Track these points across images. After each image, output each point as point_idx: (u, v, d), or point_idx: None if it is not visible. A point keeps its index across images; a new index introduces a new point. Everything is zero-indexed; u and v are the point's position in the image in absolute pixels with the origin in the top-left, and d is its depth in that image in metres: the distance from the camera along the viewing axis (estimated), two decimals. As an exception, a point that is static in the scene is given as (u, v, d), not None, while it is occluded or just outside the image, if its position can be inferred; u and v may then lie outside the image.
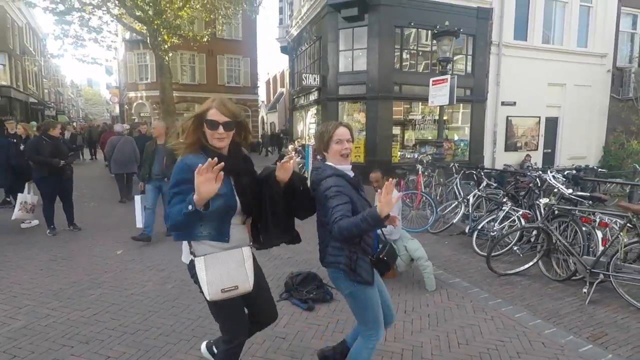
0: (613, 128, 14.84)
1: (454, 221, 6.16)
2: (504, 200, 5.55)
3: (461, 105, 13.15)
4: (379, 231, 2.25)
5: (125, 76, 25.27)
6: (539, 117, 14.24)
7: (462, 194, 6.76)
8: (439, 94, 8.14)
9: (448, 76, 7.88)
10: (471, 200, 6.13)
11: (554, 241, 4.20)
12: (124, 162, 7.85)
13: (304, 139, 15.56)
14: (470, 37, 12.71)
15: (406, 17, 11.93)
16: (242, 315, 1.99)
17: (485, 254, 4.59)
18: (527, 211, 5.14)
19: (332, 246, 2.02)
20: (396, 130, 12.85)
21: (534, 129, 14.33)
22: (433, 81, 8.25)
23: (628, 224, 3.65)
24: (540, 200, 4.76)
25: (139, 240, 5.13)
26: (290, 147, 14.63)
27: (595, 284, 3.74)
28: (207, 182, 1.54)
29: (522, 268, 4.44)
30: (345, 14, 12.09)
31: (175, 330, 3.07)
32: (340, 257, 1.99)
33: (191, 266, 1.83)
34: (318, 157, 2.14)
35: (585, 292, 3.75)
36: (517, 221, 5.01)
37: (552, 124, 14.60)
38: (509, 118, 13.79)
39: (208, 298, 1.77)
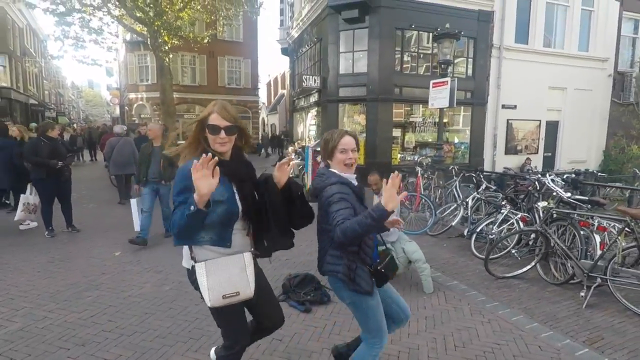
0: (613, 132, 14.84)
1: (453, 224, 6.16)
2: (503, 203, 5.55)
3: (462, 108, 13.16)
4: (378, 236, 2.24)
5: (125, 77, 25.34)
6: (540, 121, 14.23)
7: (461, 196, 6.76)
8: (439, 96, 8.15)
9: (448, 79, 7.89)
10: (470, 203, 6.13)
11: (552, 245, 4.20)
12: (123, 163, 7.85)
13: (304, 141, 15.58)
14: (472, 39, 12.72)
15: (407, 19, 11.94)
16: (243, 321, 1.98)
17: (484, 256, 4.59)
18: (525, 214, 5.14)
19: (330, 254, 2.01)
20: (396, 132, 12.85)
21: (535, 133, 14.32)
22: (433, 83, 8.26)
23: (626, 228, 3.65)
24: (539, 203, 4.75)
25: (135, 243, 5.10)
26: (290, 148, 14.66)
27: (592, 287, 3.74)
28: (204, 179, 1.53)
29: (520, 271, 4.43)
30: (346, 15, 12.11)
31: (172, 333, 3.06)
32: (339, 265, 1.98)
33: (192, 272, 1.82)
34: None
35: (582, 296, 3.75)
36: (515, 224, 5.01)
37: (552, 128, 14.59)
38: (510, 121, 13.79)
39: (209, 304, 1.76)
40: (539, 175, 5.89)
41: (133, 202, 5.43)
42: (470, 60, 13.01)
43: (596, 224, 4.14)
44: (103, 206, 7.92)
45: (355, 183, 2.07)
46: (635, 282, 3.55)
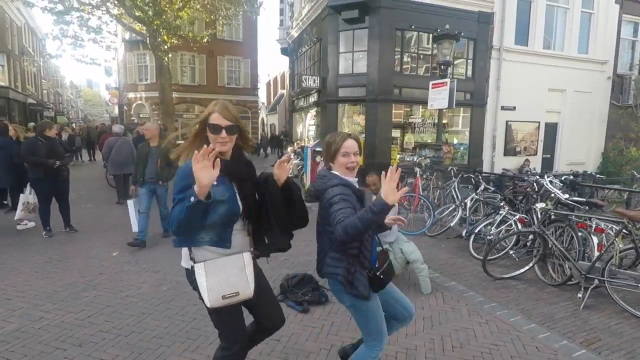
0: (612, 135, 14.88)
1: (452, 224, 6.16)
2: (501, 204, 5.56)
3: (461, 109, 13.19)
4: (375, 237, 2.24)
5: (124, 77, 25.30)
6: (539, 122, 14.26)
7: (459, 197, 6.76)
8: (438, 97, 8.16)
9: (448, 80, 7.90)
10: (468, 204, 6.13)
11: (550, 246, 4.20)
12: (122, 163, 7.84)
13: (303, 141, 15.59)
14: (471, 41, 12.74)
15: (407, 20, 11.96)
16: (241, 322, 1.97)
17: (482, 257, 4.59)
18: (523, 215, 5.14)
19: (330, 257, 2.01)
20: (396, 133, 12.86)
21: (534, 134, 14.35)
22: (433, 84, 8.27)
23: (623, 230, 3.66)
24: (537, 205, 4.76)
25: (134, 245, 5.08)
26: (290, 149, 14.67)
27: (590, 289, 3.75)
28: (205, 169, 1.53)
29: (517, 272, 4.44)
30: (346, 15, 12.12)
31: (169, 333, 3.06)
32: (339, 268, 1.97)
33: (191, 272, 1.81)
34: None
35: (580, 297, 3.75)
36: (513, 225, 5.02)
37: (551, 130, 14.62)
38: (509, 123, 13.81)
39: (208, 305, 1.75)
40: (537, 177, 5.89)
41: (130, 203, 5.37)
42: (470, 61, 13.03)
43: (594, 226, 4.15)
44: (101, 206, 7.91)
45: (357, 186, 2.07)
46: (632, 283, 3.55)
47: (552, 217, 4.37)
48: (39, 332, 3.02)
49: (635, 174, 10.97)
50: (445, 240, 6.03)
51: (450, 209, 6.49)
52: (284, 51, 19.87)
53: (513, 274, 4.45)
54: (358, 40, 12.48)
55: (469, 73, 13.08)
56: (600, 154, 15.20)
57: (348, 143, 2.02)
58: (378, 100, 12.21)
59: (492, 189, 6.58)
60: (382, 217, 1.73)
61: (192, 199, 1.55)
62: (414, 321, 3.33)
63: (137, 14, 12.37)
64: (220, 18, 15.52)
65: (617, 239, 3.68)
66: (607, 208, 6.38)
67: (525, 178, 6.68)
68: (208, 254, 1.79)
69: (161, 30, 12.65)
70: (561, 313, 3.60)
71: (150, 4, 12.31)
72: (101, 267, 4.47)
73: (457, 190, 7.05)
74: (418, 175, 7.83)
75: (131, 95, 23.68)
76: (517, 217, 5.05)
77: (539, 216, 4.69)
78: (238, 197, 1.81)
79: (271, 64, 32.40)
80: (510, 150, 14.06)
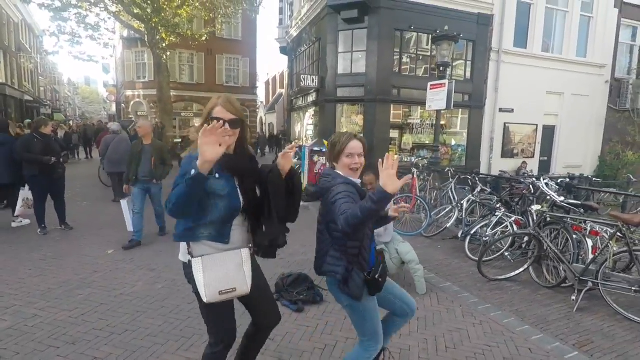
0: (609, 138, 14.95)
1: (448, 225, 6.17)
2: (498, 206, 5.57)
3: (459, 110, 13.22)
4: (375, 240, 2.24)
5: (122, 74, 25.21)
6: (536, 125, 14.31)
7: (456, 198, 6.78)
8: (436, 98, 8.17)
9: (446, 81, 7.91)
10: (465, 205, 6.15)
11: (545, 248, 4.22)
12: (118, 161, 7.78)
13: (301, 140, 15.58)
14: (470, 42, 12.77)
15: (406, 21, 11.97)
16: (231, 319, 1.97)
17: (477, 258, 4.60)
18: (519, 217, 5.15)
19: (331, 256, 2.01)
20: (394, 133, 12.89)
21: (531, 137, 14.39)
22: (431, 85, 8.28)
23: (618, 233, 3.67)
24: (533, 207, 4.78)
25: (130, 248, 5.03)
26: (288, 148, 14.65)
27: (583, 291, 3.76)
28: (212, 145, 1.51)
29: (512, 274, 4.45)
30: (345, 15, 12.13)
31: (164, 331, 3.05)
32: (339, 267, 1.97)
33: (188, 265, 1.81)
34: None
35: (573, 300, 3.77)
36: (509, 227, 5.03)
37: (549, 132, 14.68)
38: (507, 125, 13.86)
39: (205, 300, 1.74)
40: (534, 179, 5.91)
41: (124, 203, 5.29)
42: (469, 63, 13.06)
43: (589, 229, 4.16)
44: (97, 204, 7.88)
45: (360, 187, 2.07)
46: (625, 286, 3.57)
47: (548, 219, 4.38)
48: (32, 330, 3.01)
49: (632, 177, 11.06)
50: (441, 241, 6.04)
51: (447, 210, 6.51)
52: (283, 50, 19.86)
53: (508, 275, 4.46)
54: (357, 40, 12.49)
55: (468, 74, 13.11)
56: (597, 157, 15.26)
57: (353, 144, 2.02)
58: (377, 101, 12.22)
59: (489, 190, 6.61)
60: (383, 207, 1.68)
61: (193, 171, 1.53)
62: (408, 322, 3.34)
63: (135, 11, 12.34)
64: (220, 16, 15.53)
65: (611, 242, 3.70)
66: (603, 211, 6.41)
67: (522, 180, 6.70)
68: (206, 249, 1.79)
69: (160, 28, 12.62)
70: (555, 315, 3.62)
71: (149, 2, 12.28)
72: (96, 265, 4.45)
73: (454, 191, 7.07)
74: (415, 176, 7.84)
75: (129, 92, 23.61)
76: (513, 219, 5.06)
77: (535, 218, 4.71)
78: (239, 192, 1.81)
79: (270, 63, 32.30)
80: (507, 152, 14.10)
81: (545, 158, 14.87)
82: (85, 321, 3.17)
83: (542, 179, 5.63)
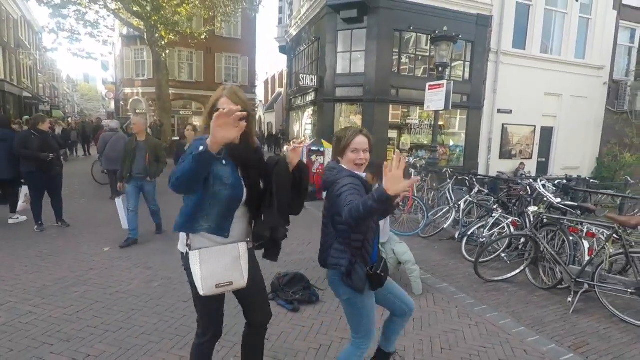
0: (607, 140, 15.00)
1: (445, 226, 6.17)
2: (495, 207, 5.58)
3: (458, 111, 13.23)
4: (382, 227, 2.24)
5: (121, 72, 25.18)
6: (535, 126, 14.35)
7: (453, 199, 6.78)
8: (434, 99, 8.17)
9: (444, 81, 7.91)
10: (462, 206, 6.14)
11: (541, 249, 4.22)
12: (116, 158, 7.74)
13: (299, 140, 15.56)
14: (469, 43, 12.79)
15: (406, 21, 11.98)
16: (219, 310, 1.98)
17: (474, 259, 4.60)
18: (516, 219, 5.15)
19: (335, 248, 2.01)
20: (392, 133, 12.90)
21: (529, 138, 14.43)
22: (429, 86, 8.28)
23: (614, 235, 3.67)
24: (529, 208, 4.78)
25: (127, 246, 5.00)
26: (286, 147, 14.64)
27: (580, 293, 3.76)
28: (225, 127, 1.47)
29: (509, 275, 4.45)
30: (345, 15, 12.13)
31: (159, 329, 3.04)
32: (343, 259, 1.98)
33: (185, 257, 1.82)
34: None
35: (569, 301, 3.77)
36: (506, 228, 5.03)
37: (547, 134, 14.71)
38: (505, 126, 13.88)
39: (202, 293, 1.75)
40: (531, 180, 5.91)
41: (118, 201, 5.27)
42: (468, 63, 13.08)
43: (585, 230, 4.17)
44: (94, 201, 7.86)
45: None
46: (622, 289, 3.57)
47: (545, 220, 4.38)
48: (26, 327, 3.00)
49: (629, 179, 11.08)
50: (438, 241, 6.04)
51: (444, 210, 6.50)
52: (282, 49, 19.85)
53: (504, 276, 4.46)
54: (356, 40, 12.49)
55: (466, 75, 13.13)
56: (595, 159, 15.30)
57: (359, 139, 2.00)
58: (375, 101, 12.22)
59: (486, 191, 6.61)
60: (383, 207, 1.66)
61: (201, 147, 1.49)
62: (407, 323, 3.34)
63: (135, 9, 12.31)
64: (219, 15, 15.51)
65: (607, 244, 3.70)
66: (600, 213, 6.42)
67: (519, 181, 6.71)
68: (205, 241, 1.78)
69: (159, 26, 12.60)
70: (551, 316, 3.62)
71: (149, 0, 12.26)
72: (92, 263, 4.44)
73: (451, 192, 7.08)
74: (413, 176, 7.84)
75: (128, 90, 23.57)
76: (510, 220, 5.06)
77: (532, 219, 4.71)
78: (243, 183, 1.80)
79: (270, 62, 32.32)
80: (505, 153, 14.13)
81: (543, 159, 14.90)
82: (80, 318, 3.16)
83: (539, 181, 5.64)
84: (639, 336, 3.31)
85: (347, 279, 1.97)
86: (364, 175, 2.06)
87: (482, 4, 12.56)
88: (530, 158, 14.47)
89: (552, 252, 4.07)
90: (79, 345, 2.78)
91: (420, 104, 10.67)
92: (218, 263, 1.75)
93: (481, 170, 13.34)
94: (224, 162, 1.71)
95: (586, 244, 4.06)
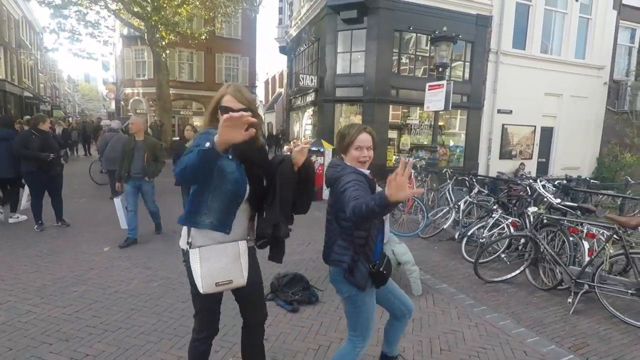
0: (607, 140, 14.98)
1: (445, 227, 6.17)
2: (494, 207, 5.57)
3: (458, 111, 13.22)
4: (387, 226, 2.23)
5: (122, 72, 25.19)
6: (535, 127, 14.33)
7: (453, 199, 6.77)
8: (434, 99, 8.16)
9: (444, 82, 7.90)
10: (462, 207, 6.14)
11: (541, 250, 4.21)
12: (116, 158, 7.74)
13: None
14: (469, 43, 12.78)
15: (405, 22, 11.97)
16: (216, 308, 1.99)
17: (474, 260, 4.60)
18: (516, 219, 5.15)
19: (338, 245, 2.02)
20: (392, 134, 12.88)
21: (529, 138, 14.41)
22: (429, 86, 8.27)
23: (614, 236, 3.67)
24: (529, 209, 4.77)
25: (126, 246, 5.00)
26: (286, 147, 14.65)
27: (580, 294, 3.75)
28: (233, 129, 1.44)
29: (509, 276, 4.45)
30: (345, 16, 12.12)
31: (157, 329, 3.04)
32: (345, 256, 1.99)
33: (186, 253, 1.82)
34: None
35: (569, 302, 3.76)
36: (506, 229, 5.02)
37: (547, 134, 14.69)
38: (505, 126, 13.87)
39: (201, 291, 1.76)
40: (531, 181, 5.90)
41: (117, 201, 5.26)
42: (467, 64, 13.07)
43: (585, 231, 4.16)
44: (94, 201, 7.86)
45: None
46: (622, 289, 3.56)
47: (544, 221, 4.38)
48: (25, 326, 3.00)
49: (630, 179, 11.07)
50: (437, 242, 6.03)
51: (444, 211, 6.49)
52: (283, 50, 19.84)
53: (504, 277, 4.45)
54: (356, 40, 12.48)
55: (466, 75, 13.11)
56: (595, 159, 15.28)
57: (362, 137, 2.00)
58: (375, 101, 12.22)
59: (486, 192, 6.60)
60: (385, 212, 1.67)
61: (208, 144, 1.47)
62: (406, 324, 3.33)
63: (135, 9, 12.33)
64: (219, 15, 15.52)
65: (607, 245, 3.69)
66: (601, 213, 6.42)
67: (519, 182, 6.71)
68: (205, 239, 1.78)
69: (159, 26, 12.61)
70: (551, 317, 3.61)
71: (149, 0, 12.27)
72: (92, 262, 4.44)
73: (451, 192, 7.07)
74: (412, 176, 7.84)
75: (128, 90, 23.58)
76: (510, 220, 5.05)
77: (531, 220, 4.70)
78: (246, 180, 1.80)
79: (270, 63, 32.32)
80: (505, 154, 14.11)
81: (544, 159, 14.88)
82: (79, 318, 3.16)
83: (539, 181, 5.63)
84: (639, 337, 3.30)
85: (349, 275, 1.98)
86: (367, 171, 2.06)
87: (482, 4, 12.56)
88: (531, 158, 14.45)
89: (552, 253, 4.06)
90: (77, 344, 2.78)
91: (420, 104, 10.67)
92: (218, 261, 1.75)
93: (481, 171, 13.33)
94: (229, 156, 1.72)
95: (586, 245, 4.05)
